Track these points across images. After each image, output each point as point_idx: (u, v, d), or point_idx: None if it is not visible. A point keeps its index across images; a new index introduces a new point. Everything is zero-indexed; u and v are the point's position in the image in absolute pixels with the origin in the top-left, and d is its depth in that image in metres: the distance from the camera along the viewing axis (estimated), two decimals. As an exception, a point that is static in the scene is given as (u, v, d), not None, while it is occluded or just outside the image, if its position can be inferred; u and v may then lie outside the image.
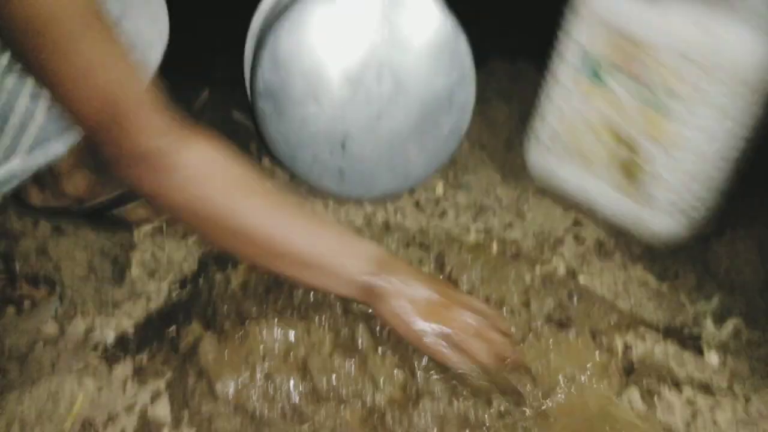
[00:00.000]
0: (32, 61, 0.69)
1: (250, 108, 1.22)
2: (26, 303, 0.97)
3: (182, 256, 1.12)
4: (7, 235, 1.14)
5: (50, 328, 0.96)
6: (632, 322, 0.97)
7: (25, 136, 0.82)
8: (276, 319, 0.78)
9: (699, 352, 0.96)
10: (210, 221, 0.74)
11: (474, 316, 0.79)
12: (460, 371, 0.76)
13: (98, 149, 0.75)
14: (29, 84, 0.76)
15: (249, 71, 1.23)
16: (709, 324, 1.03)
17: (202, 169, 0.72)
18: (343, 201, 1.24)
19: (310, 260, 0.76)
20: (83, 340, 0.91)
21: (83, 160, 1.15)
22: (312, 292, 0.83)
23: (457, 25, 1.15)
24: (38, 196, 1.17)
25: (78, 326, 0.95)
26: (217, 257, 1.01)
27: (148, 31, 0.89)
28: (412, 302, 0.76)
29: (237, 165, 0.75)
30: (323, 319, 0.80)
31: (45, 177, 1.14)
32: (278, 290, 0.83)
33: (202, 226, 0.75)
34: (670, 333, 0.99)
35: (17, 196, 1.16)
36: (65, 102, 0.72)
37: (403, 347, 0.79)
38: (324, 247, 0.77)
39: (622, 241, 1.19)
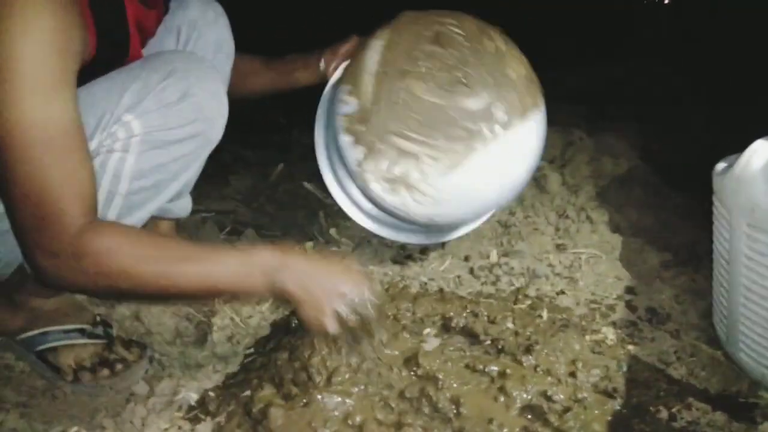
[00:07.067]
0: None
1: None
2: (119, 366, 1.09)
3: (257, 321, 1.23)
4: (106, 302, 1.29)
5: (141, 388, 1.08)
6: (681, 392, 1.00)
7: None
8: (336, 387, 0.87)
9: (752, 422, 0.96)
10: (129, 274, 0.83)
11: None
12: None
13: (25, 245, 0.86)
14: None
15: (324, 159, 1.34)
16: (766, 394, 1.03)
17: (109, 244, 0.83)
18: (405, 269, 1.32)
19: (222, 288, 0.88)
20: (170, 401, 1.02)
21: (174, 233, 1.30)
22: (367, 362, 0.91)
23: None
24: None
25: (165, 387, 1.06)
26: (287, 325, 1.11)
27: (210, 106, 1.01)
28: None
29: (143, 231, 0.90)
30: (378, 386, 0.88)
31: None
32: (338, 358, 0.92)
33: (123, 282, 0.84)
34: (721, 403, 1.00)
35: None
36: (9, 195, 0.83)
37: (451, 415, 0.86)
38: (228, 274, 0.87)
39: (675, 309, 1.21)
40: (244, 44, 1.32)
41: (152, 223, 1.25)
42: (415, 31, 1.19)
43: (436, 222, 1.21)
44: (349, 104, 1.19)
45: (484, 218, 1.36)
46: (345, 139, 1.17)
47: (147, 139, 0.95)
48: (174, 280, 0.85)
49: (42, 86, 0.80)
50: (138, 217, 1.04)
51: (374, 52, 1.19)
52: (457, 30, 1.17)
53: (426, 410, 0.89)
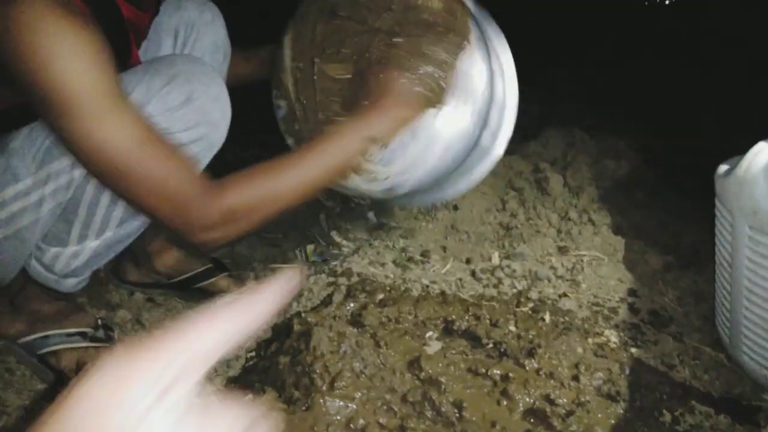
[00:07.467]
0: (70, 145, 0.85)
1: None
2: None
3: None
4: (107, 306, 1.30)
5: (142, 391, 1.08)
6: (684, 395, 0.99)
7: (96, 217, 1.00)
8: (338, 391, 0.87)
9: (755, 425, 0.96)
10: (270, 203, 0.95)
11: None
12: None
13: (180, 232, 0.93)
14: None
15: None
16: (770, 397, 1.03)
17: (239, 188, 0.93)
18: (407, 271, 1.32)
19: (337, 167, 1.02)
20: (171, 405, 1.02)
21: (172, 240, 1.30)
22: (367, 367, 0.91)
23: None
24: (134, 273, 1.32)
25: (167, 391, 1.06)
26: (289, 329, 1.11)
27: (213, 109, 1.02)
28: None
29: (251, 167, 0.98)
30: (381, 390, 0.88)
31: (140, 256, 1.29)
32: (341, 361, 0.92)
33: (271, 210, 0.96)
34: (724, 405, 1.00)
35: (116, 273, 1.32)
36: (139, 204, 0.91)
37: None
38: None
39: (678, 311, 1.21)
40: (244, 44, 1.32)
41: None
42: (317, 12, 1.15)
43: (397, 193, 1.19)
44: (280, 107, 1.20)
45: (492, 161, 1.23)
46: (289, 142, 1.19)
47: None
48: (303, 185, 0.97)
49: (108, 105, 0.83)
50: (141, 221, 1.04)
51: (285, 48, 1.18)
52: None
53: (429, 414, 0.88)
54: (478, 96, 1.11)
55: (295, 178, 0.96)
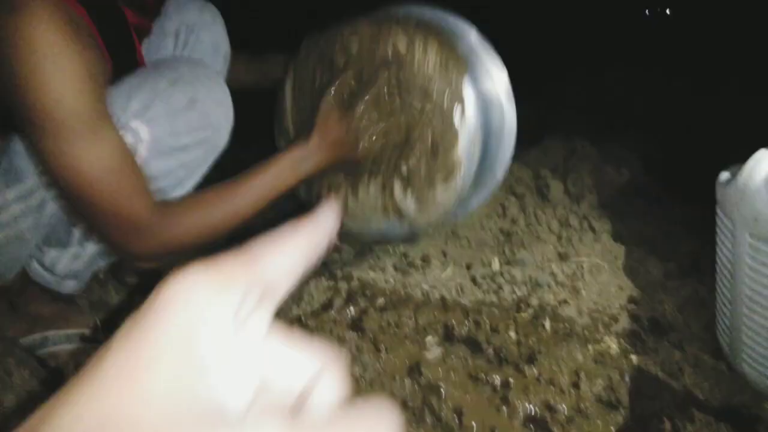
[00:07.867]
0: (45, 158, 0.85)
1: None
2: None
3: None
4: (107, 308, 1.29)
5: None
6: (684, 403, 0.99)
7: None
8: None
9: (755, 435, 0.96)
10: (207, 231, 0.96)
11: None
12: None
13: (120, 251, 0.96)
14: None
15: None
16: (769, 406, 1.02)
17: (181, 214, 0.94)
18: (407, 276, 1.32)
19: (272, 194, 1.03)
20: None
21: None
22: (367, 371, 0.91)
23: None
24: (133, 275, 1.32)
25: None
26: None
27: (216, 112, 1.03)
28: None
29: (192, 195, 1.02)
30: (389, 390, 0.87)
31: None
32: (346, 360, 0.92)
33: (205, 238, 0.96)
34: (725, 414, 0.99)
35: (116, 275, 1.32)
36: (88, 217, 0.91)
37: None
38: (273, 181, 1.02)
39: (678, 319, 1.20)
40: (243, 48, 1.32)
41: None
42: (317, 59, 1.19)
43: (414, 233, 1.24)
44: (282, 146, 1.23)
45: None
46: None
47: (154, 145, 0.96)
48: (239, 215, 0.99)
49: (86, 126, 0.82)
50: None
51: (287, 90, 1.23)
52: (353, 46, 1.14)
53: (428, 420, 0.88)
54: (475, 158, 1.14)
55: (231, 208, 0.98)
